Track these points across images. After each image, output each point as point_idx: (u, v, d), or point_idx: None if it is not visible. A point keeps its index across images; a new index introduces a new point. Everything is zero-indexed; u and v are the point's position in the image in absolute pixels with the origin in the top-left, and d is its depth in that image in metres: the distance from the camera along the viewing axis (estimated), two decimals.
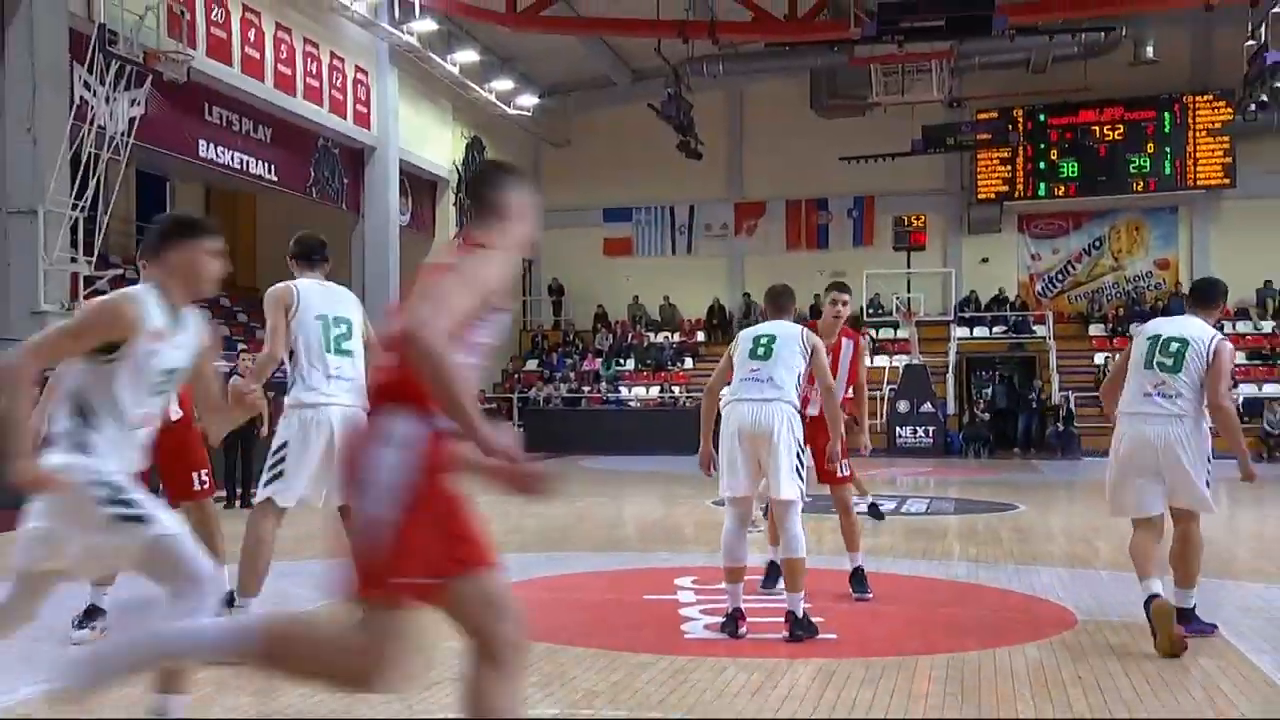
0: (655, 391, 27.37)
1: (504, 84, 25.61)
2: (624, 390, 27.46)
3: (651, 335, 29.47)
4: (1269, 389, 21.96)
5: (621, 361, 28.63)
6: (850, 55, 22.66)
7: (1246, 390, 22.44)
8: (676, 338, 29.29)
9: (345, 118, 21.13)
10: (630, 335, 29.59)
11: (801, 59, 25.17)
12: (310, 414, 5.26)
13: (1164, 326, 5.77)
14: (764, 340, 5.97)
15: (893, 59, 22.65)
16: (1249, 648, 5.34)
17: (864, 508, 10.44)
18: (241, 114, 18.89)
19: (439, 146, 25.53)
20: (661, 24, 20.71)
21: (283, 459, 5.25)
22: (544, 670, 4.89)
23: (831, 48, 22.94)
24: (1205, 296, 5.85)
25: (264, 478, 5.33)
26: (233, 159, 18.81)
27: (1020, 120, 26.89)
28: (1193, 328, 5.62)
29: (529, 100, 26.62)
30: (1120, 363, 5.88)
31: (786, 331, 6.01)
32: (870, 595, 6.67)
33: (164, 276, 3.45)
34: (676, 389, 27.16)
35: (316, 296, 5.46)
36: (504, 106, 26.15)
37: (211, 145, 18.27)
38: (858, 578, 6.75)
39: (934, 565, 8.37)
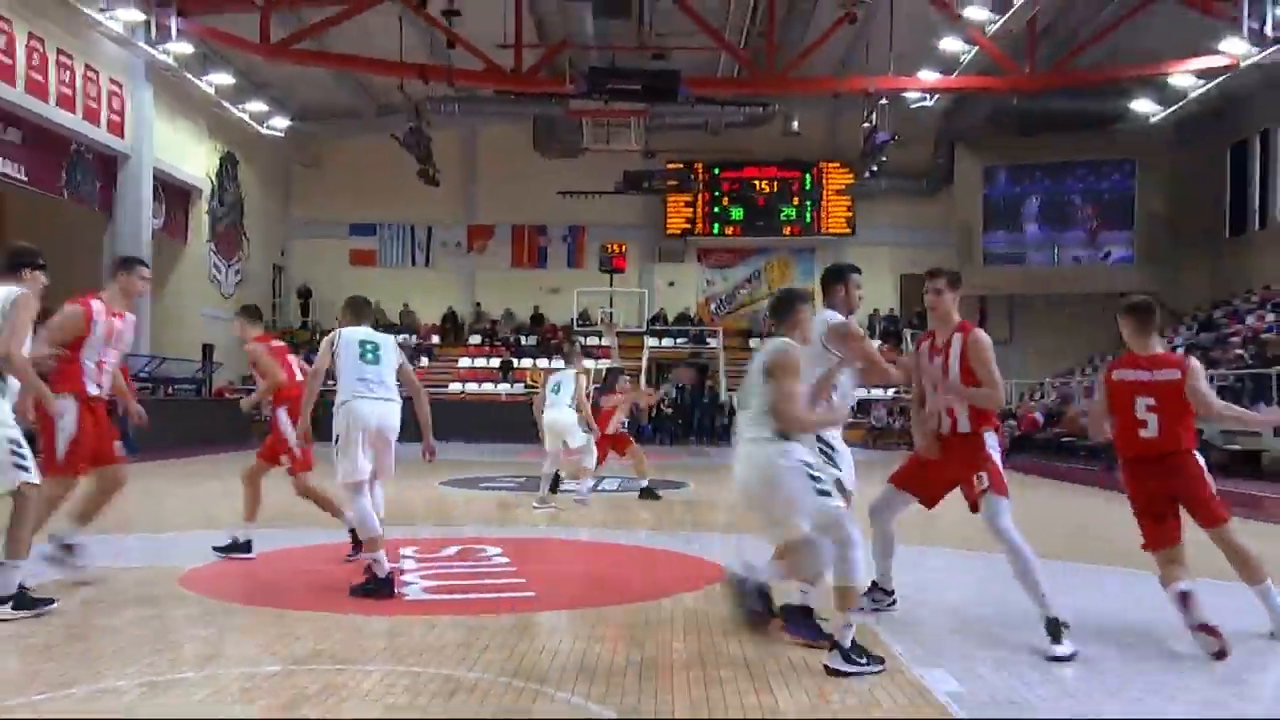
0: None
1: (258, 106, 24.08)
2: None
3: (392, 337, 28.65)
4: (875, 392, 24.15)
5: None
6: (566, 107, 22.99)
7: (860, 393, 24.56)
8: (414, 339, 28.61)
9: (99, 125, 19.12)
10: None
11: (526, 106, 25.29)
12: None
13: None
14: (370, 346, 5.92)
15: (601, 113, 23.16)
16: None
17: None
18: None
19: (194, 159, 23.67)
20: (404, 66, 20.15)
21: None
22: (271, 631, 4.69)
23: (550, 100, 23.21)
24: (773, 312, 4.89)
25: None
26: None
27: (700, 172, 28.18)
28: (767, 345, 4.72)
29: (281, 123, 25.16)
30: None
31: (386, 340, 6.09)
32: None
33: None
34: None
35: None
36: (258, 127, 24.61)
37: None
38: None
39: (620, 533, 8.64)
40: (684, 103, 20.37)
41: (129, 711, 3.53)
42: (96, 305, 5.72)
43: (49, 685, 3.81)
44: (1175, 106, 22.60)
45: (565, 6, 18.40)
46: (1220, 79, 20.28)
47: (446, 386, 26.70)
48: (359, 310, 6.23)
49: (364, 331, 6.02)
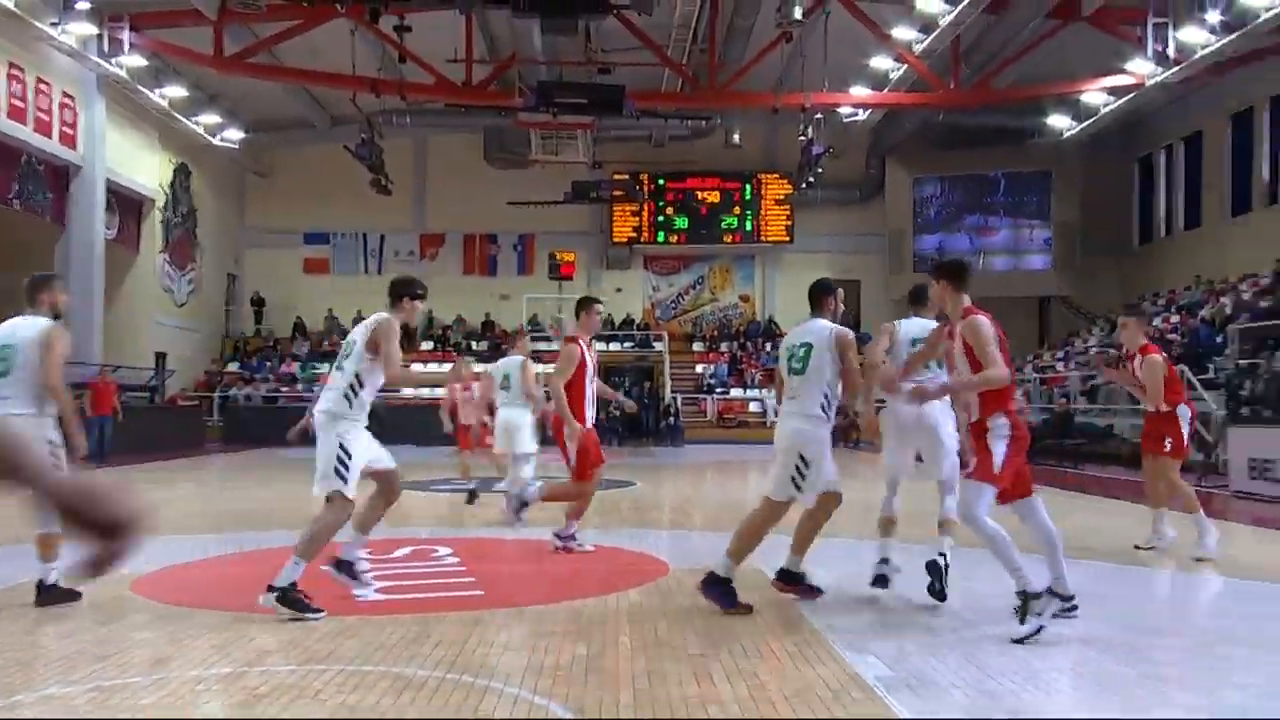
0: None
1: (211, 118, 23.60)
2: (319, 390, 26.11)
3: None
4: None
5: (317, 365, 27.18)
6: (515, 120, 22.87)
7: None
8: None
9: (50, 137, 18.61)
10: (326, 343, 28.18)
11: (476, 119, 25.15)
12: None
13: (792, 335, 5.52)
14: (3, 355, 5.11)
15: (549, 126, 23.07)
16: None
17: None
18: None
19: (147, 169, 23.11)
20: (356, 79, 19.90)
21: None
22: (223, 634, 4.57)
23: (500, 113, 23.08)
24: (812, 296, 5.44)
25: None
26: None
27: (645, 182, 28.25)
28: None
29: (234, 134, 24.68)
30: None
31: (23, 340, 5.11)
32: None
33: None
34: None
35: None
36: (210, 138, 24.10)
37: None
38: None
39: None
40: (629, 116, 20.39)
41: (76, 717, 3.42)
42: (583, 343, 6.62)
43: None
44: (1087, 122, 23.22)
45: (514, 23, 18.30)
46: (1128, 97, 20.89)
47: (399, 390, 26.38)
48: (30, 292, 5.27)
49: (10, 329, 5.15)
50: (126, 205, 22.39)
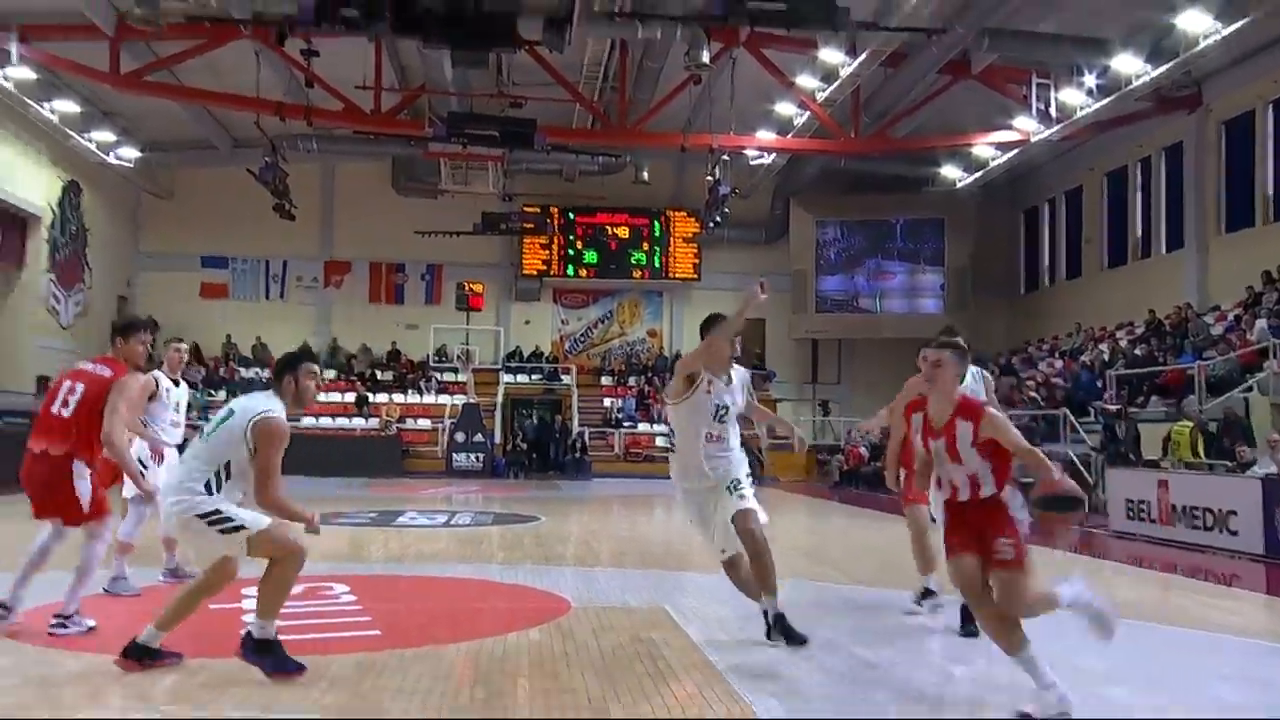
0: None
1: (104, 135, 22.65)
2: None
3: (243, 370, 27.28)
4: None
5: (214, 392, 26.15)
6: (425, 149, 22.66)
7: None
8: (267, 373, 27.32)
9: None
10: (223, 370, 27.19)
11: (384, 147, 24.81)
12: None
13: None
14: None
15: (459, 156, 22.92)
16: (682, 620, 5.93)
17: None
18: None
19: (33, 185, 22.00)
20: (261, 102, 19.40)
21: None
22: (95, 682, 4.31)
23: (409, 142, 22.83)
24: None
25: None
26: None
27: (555, 216, 28.27)
28: None
29: (130, 152, 23.73)
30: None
31: None
32: None
33: None
34: None
35: None
36: (104, 156, 23.11)
37: None
38: None
39: (471, 568, 8.44)
40: (540, 150, 20.42)
41: None
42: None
43: None
44: (978, 174, 24.33)
45: (424, 53, 18.18)
46: (1014, 151, 22.00)
47: (299, 420, 25.61)
48: None
49: None
50: (10, 221, 21.26)
